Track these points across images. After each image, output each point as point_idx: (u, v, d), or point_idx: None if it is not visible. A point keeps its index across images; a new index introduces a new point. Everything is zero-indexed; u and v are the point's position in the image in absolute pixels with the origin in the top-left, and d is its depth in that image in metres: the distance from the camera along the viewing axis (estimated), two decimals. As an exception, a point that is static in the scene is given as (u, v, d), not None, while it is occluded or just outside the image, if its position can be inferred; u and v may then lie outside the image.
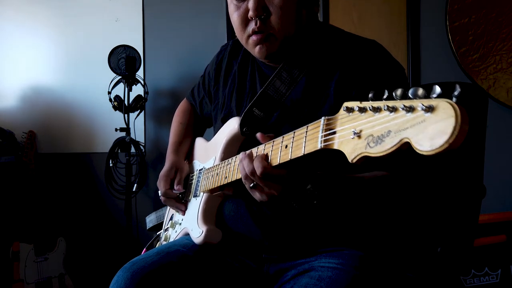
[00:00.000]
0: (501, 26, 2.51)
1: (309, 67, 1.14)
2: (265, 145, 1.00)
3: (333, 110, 1.07)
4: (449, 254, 1.23)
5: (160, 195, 1.37)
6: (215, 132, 1.31)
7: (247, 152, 1.00)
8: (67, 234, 2.76)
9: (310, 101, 1.12)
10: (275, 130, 1.04)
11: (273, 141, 0.98)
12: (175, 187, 1.35)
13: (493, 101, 2.50)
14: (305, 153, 0.86)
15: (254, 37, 1.12)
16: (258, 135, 1.00)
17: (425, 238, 1.26)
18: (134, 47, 2.69)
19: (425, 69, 2.60)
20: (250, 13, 1.09)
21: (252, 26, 1.11)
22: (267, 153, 0.96)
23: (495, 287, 2.08)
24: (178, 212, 1.36)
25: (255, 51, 1.14)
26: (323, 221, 1.11)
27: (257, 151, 1.01)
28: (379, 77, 1.08)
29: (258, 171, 0.93)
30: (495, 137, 2.26)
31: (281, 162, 0.92)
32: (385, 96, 0.68)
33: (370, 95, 0.71)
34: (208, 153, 1.33)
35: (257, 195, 0.99)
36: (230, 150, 1.22)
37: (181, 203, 1.34)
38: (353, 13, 2.65)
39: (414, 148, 0.60)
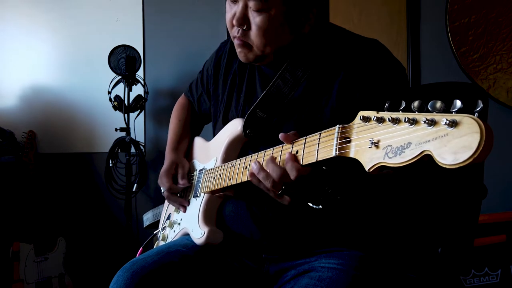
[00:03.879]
0: (501, 26, 2.51)
1: (312, 68, 1.14)
2: (273, 149, 1.00)
3: (334, 111, 1.08)
4: (450, 254, 1.23)
5: (163, 191, 1.36)
6: (215, 132, 1.31)
7: (267, 158, 0.98)
8: (67, 234, 2.75)
9: (312, 102, 1.12)
10: (278, 131, 1.04)
11: (282, 146, 0.98)
12: (180, 182, 1.34)
13: (493, 101, 2.50)
14: (318, 159, 0.86)
15: (236, 41, 1.14)
16: (281, 135, 0.98)
17: (426, 238, 1.26)
18: (134, 47, 2.69)
19: (425, 69, 2.61)
20: (234, 21, 1.10)
21: (235, 31, 1.12)
22: (295, 153, 0.93)
23: (495, 287, 2.08)
24: (179, 208, 1.36)
25: (237, 53, 1.16)
26: (323, 221, 1.11)
27: (272, 152, 1.00)
28: (382, 78, 1.08)
29: (293, 174, 0.91)
30: (495, 137, 2.25)
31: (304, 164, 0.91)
32: (402, 107, 0.69)
33: (386, 105, 0.72)
34: (208, 153, 1.33)
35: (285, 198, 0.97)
36: (231, 151, 1.22)
37: (184, 200, 1.34)
38: (353, 13, 2.65)
39: (436, 161, 0.61)
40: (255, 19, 1.08)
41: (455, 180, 1.26)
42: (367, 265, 1.06)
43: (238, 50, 1.15)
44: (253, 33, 1.09)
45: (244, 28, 1.10)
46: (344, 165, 0.84)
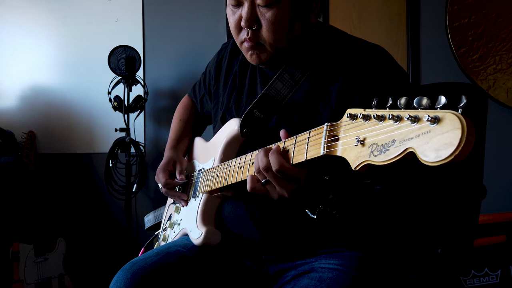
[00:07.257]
0: (501, 26, 2.51)
1: (312, 70, 1.13)
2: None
3: (332, 116, 1.07)
4: (449, 254, 1.23)
5: (161, 187, 1.37)
6: (215, 132, 1.31)
7: (267, 147, 0.97)
8: (67, 234, 2.75)
9: (310, 105, 1.12)
10: (275, 133, 1.04)
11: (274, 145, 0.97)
12: (177, 177, 1.35)
13: (493, 102, 2.50)
14: (307, 158, 0.85)
15: (246, 44, 1.12)
16: (282, 132, 0.97)
17: (425, 239, 1.26)
18: (134, 47, 2.69)
19: (425, 70, 2.61)
20: (242, 23, 1.09)
21: (244, 34, 1.11)
22: (286, 148, 0.92)
23: (495, 287, 2.08)
24: (180, 203, 1.36)
25: (248, 56, 1.15)
26: (323, 222, 1.11)
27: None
28: (384, 85, 1.07)
29: (274, 166, 0.90)
30: (495, 137, 2.26)
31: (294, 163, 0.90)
32: (388, 104, 0.68)
33: (374, 103, 0.71)
34: (207, 153, 1.33)
35: (270, 192, 0.96)
36: (229, 151, 1.22)
37: (183, 193, 1.34)
38: (353, 13, 2.65)
39: (419, 159, 0.60)
40: (266, 15, 1.07)
41: (454, 181, 1.26)
42: (368, 265, 1.06)
43: (249, 53, 1.13)
44: (265, 29, 1.08)
45: (254, 28, 1.08)
46: (340, 169, 0.84)
